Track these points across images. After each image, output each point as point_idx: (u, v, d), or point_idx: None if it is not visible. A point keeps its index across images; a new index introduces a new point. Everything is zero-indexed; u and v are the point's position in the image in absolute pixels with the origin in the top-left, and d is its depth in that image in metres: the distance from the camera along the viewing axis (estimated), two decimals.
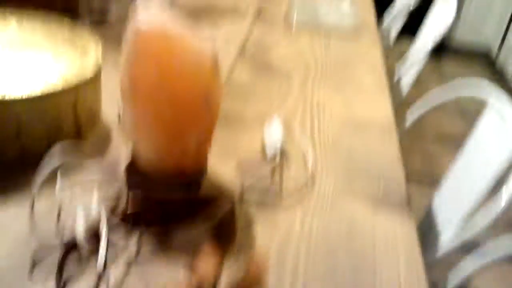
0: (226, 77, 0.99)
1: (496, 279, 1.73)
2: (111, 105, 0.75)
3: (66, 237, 0.55)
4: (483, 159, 0.96)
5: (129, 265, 0.54)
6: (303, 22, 1.32)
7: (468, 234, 0.88)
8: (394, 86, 1.56)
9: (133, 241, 0.56)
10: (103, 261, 0.52)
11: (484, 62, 3.65)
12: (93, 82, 0.72)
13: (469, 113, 2.87)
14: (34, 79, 0.67)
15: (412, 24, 1.96)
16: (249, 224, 0.62)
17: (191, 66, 0.53)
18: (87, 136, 0.73)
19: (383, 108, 0.94)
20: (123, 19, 1.20)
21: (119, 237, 0.56)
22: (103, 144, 0.73)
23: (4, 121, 0.64)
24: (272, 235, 0.61)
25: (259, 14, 1.38)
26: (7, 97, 0.62)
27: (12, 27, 0.79)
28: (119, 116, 0.60)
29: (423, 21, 1.71)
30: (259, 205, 0.65)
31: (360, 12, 1.46)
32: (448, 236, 0.94)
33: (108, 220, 0.57)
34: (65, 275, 0.52)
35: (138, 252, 0.56)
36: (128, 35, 0.54)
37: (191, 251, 0.56)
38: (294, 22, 1.31)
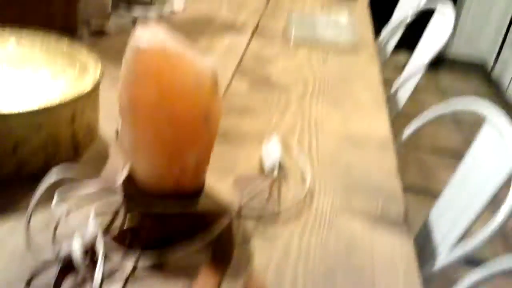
0: (224, 91, 0.99)
1: None
2: (108, 121, 0.75)
3: (63, 252, 0.54)
4: (481, 174, 0.96)
5: (125, 282, 0.53)
6: (301, 36, 1.32)
7: (465, 249, 0.88)
8: (390, 98, 1.56)
9: (130, 258, 0.56)
10: (100, 279, 0.52)
11: (480, 74, 3.67)
12: (91, 97, 0.72)
13: (465, 123, 2.88)
14: (32, 96, 0.67)
15: (409, 37, 1.97)
16: (246, 241, 0.62)
17: (191, 86, 0.53)
18: (84, 152, 0.73)
19: (381, 124, 0.94)
20: (122, 32, 1.21)
21: (116, 254, 0.56)
22: (100, 159, 0.73)
23: (1, 135, 0.63)
24: (270, 252, 0.61)
25: (257, 28, 1.38)
26: (4, 112, 0.62)
27: (11, 44, 0.79)
28: (116, 131, 0.60)
29: (420, 34, 1.72)
30: (257, 221, 0.65)
31: (358, 27, 1.46)
32: (445, 250, 0.94)
33: (105, 237, 0.56)
34: None
35: (135, 269, 0.55)
36: (128, 54, 0.54)
37: (189, 269, 0.56)
38: (292, 36, 1.32)
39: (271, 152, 0.76)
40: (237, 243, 0.61)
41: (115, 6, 1.33)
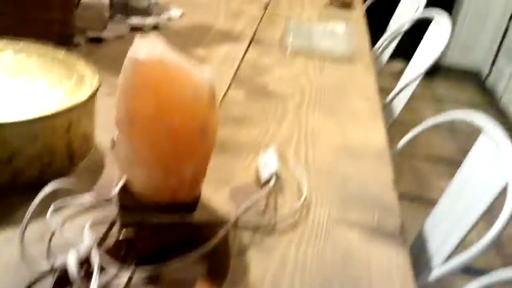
0: (221, 100, 0.99)
1: None
2: (104, 129, 0.74)
3: (58, 264, 0.54)
4: (476, 185, 0.96)
5: None
6: (298, 46, 1.33)
7: (461, 261, 0.88)
8: (386, 107, 1.57)
9: (125, 270, 0.55)
10: None
11: (475, 82, 3.69)
12: (87, 107, 0.72)
13: (460, 132, 2.89)
14: (28, 106, 0.67)
15: (405, 46, 1.98)
16: (243, 252, 0.62)
17: (190, 99, 0.53)
18: (80, 161, 0.73)
19: (377, 135, 0.94)
20: (119, 39, 1.21)
21: (111, 266, 0.55)
22: (96, 169, 0.72)
23: None
24: (266, 264, 0.60)
25: (254, 37, 1.39)
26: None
27: (8, 55, 0.79)
28: (112, 141, 0.60)
29: (416, 43, 1.73)
30: (253, 232, 0.65)
31: (354, 37, 1.47)
32: (440, 261, 0.94)
33: (100, 248, 0.56)
34: None
35: (130, 280, 0.55)
36: (126, 66, 0.54)
37: (185, 281, 0.56)
38: (289, 45, 1.32)
39: (267, 163, 0.76)
40: (234, 254, 0.61)
41: (112, 13, 1.33)
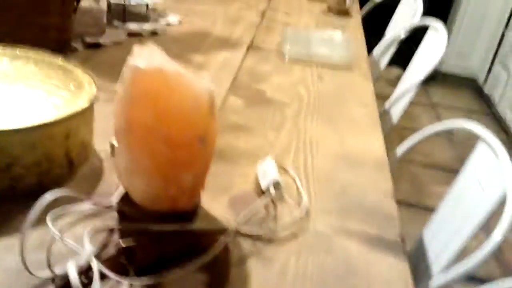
0: (219, 108, 0.99)
1: None
2: (102, 135, 0.74)
3: (58, 272, 0.53)
4: (475, 195, 0.96)
5: None
6: (296, 53, 1.33)
7: (460, 270, 0.88)
8: (384, 114, 1.57)
9: (125, 278, 0.55)
10: None
11: (472, 89, 3.71)
12: (85, 115, 0.72)
13: (458, 139, 2.90)
14: (26, 113, 0.67)
15: (402, 53, 1.99)
16: (243, 261, 0.61)
17: (189, 108, 0.53)
18: (78, 169, 0.72)
19: (376, 143, 0.94)
20: (116, 45, 1.21)
21: (111, 274, 0.55)
22: (95, 176, 0.72)
23: None
24: (267, 272, 0.60)
25: (252, 44, 1.39)
26: None
27: (5, 61, 0.78)
28: (111, 146, 0.59)
29: (412, 50, 1.74)
30: (253, 241, 0.65)
31: (352, 44, 1.47)
32: (439, 270, 0.94)
33: (100, 256, 0.56)
34: None
35: None
36: (125, 75, 0.54)
37: None
38: (287, 53, 1.32)
39: (266, 171, 0.75)
40: (234, 263, 0.61)
41: (110, 19, 1.33)
